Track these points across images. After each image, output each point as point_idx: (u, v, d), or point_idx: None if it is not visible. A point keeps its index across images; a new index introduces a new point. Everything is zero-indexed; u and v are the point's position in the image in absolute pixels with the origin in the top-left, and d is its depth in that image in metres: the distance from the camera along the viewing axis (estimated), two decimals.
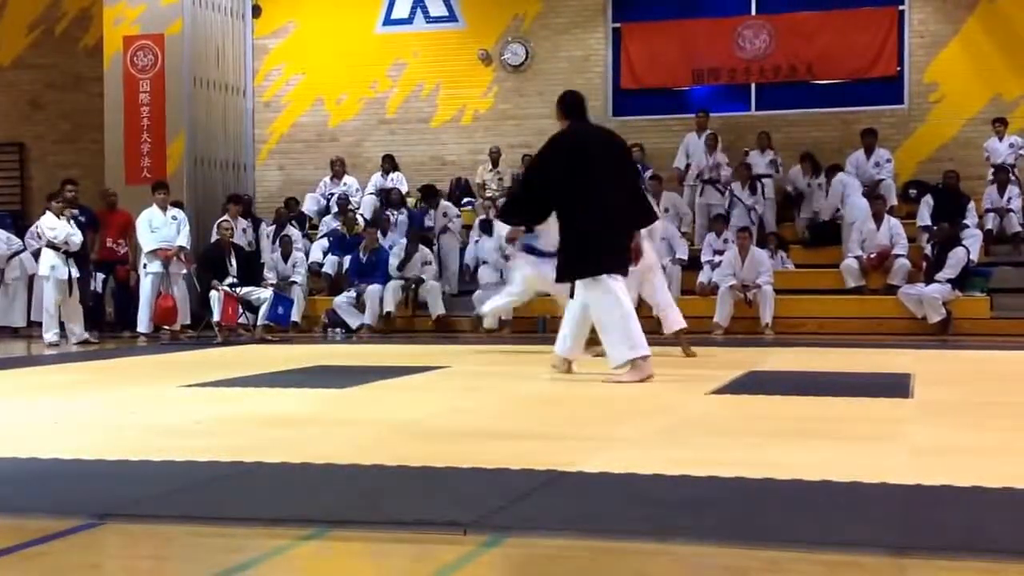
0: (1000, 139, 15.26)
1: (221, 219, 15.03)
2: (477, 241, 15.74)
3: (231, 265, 14.13)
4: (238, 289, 13.95)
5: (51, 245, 13.46)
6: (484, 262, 15.33)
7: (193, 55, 17.01)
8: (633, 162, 9.32)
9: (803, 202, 15.84)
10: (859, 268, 14.29)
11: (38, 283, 14.11)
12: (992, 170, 15.19)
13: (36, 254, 14.26)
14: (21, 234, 15.89)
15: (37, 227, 14.21)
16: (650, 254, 9.66)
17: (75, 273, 13.55)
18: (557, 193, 8.38)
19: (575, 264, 8.42)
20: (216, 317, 13.83)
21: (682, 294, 14.19)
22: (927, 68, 16.26)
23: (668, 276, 14.25)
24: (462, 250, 16.00)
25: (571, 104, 8.74)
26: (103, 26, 17.18)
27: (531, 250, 10.56)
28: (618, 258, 8.40)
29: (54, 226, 13.47)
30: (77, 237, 13.57)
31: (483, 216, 15.80)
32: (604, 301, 8.23)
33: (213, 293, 13.90)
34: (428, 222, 16.13)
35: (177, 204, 15.12)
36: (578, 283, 8.43)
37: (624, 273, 8.48)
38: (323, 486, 4.47)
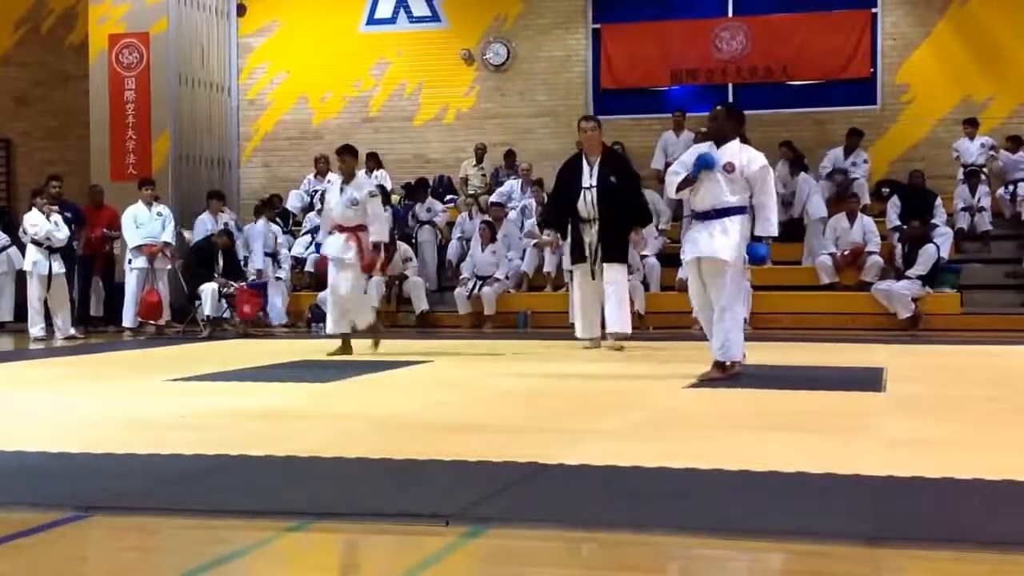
0: (971, 139, 15.36)
1: (225, 220, 15.05)
2: (459, 237, 15.75)
3: (218, 263, 14.16)
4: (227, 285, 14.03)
5: (35, 241, 13.48)
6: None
7: (178, 53, 16.97)
8: None
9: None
10: (833, 265, 14.39)
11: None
12: (961, 170, 15.30)
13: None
14: (8, 230, 15.85)
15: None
16: None
17: (59, 268, 13.57)
18: None
19: None
20: (207, 311, 13.83)
21: (661, 290, 14.30)
22: (899, 70, 16.34)
23: (646, 272, 14.42)
24: (444, 246, 16.03)
25: None
26: (88, 24, 17.13)
27: None
28: None
29: (36, 222, 13.50)
30: (60, 233, 13.59)
31: None
32: None
33: (205, 286, 13.88)
34: (422, 216, 16.15)
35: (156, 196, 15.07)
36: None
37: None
38: (307, 479, 4.52)
